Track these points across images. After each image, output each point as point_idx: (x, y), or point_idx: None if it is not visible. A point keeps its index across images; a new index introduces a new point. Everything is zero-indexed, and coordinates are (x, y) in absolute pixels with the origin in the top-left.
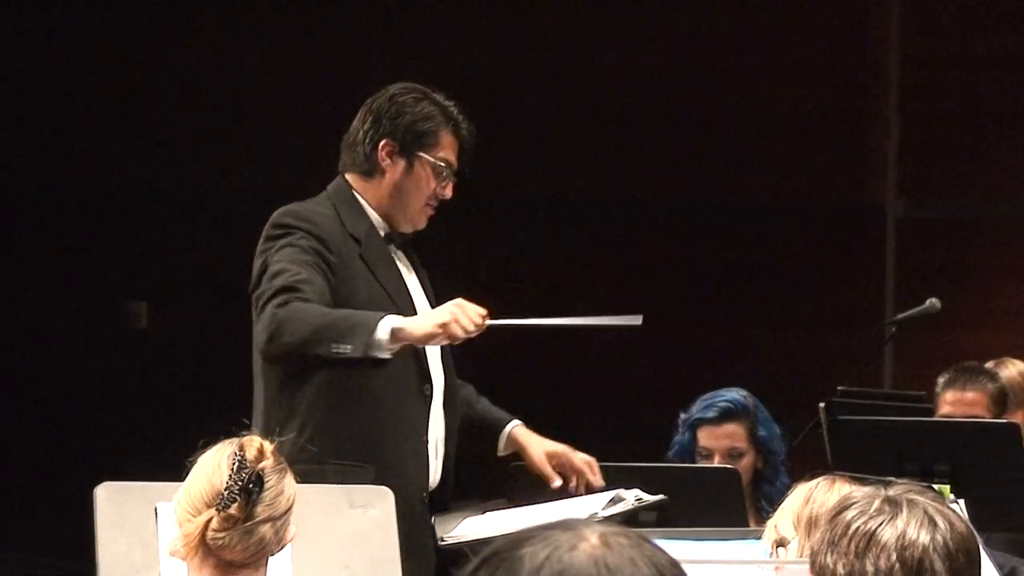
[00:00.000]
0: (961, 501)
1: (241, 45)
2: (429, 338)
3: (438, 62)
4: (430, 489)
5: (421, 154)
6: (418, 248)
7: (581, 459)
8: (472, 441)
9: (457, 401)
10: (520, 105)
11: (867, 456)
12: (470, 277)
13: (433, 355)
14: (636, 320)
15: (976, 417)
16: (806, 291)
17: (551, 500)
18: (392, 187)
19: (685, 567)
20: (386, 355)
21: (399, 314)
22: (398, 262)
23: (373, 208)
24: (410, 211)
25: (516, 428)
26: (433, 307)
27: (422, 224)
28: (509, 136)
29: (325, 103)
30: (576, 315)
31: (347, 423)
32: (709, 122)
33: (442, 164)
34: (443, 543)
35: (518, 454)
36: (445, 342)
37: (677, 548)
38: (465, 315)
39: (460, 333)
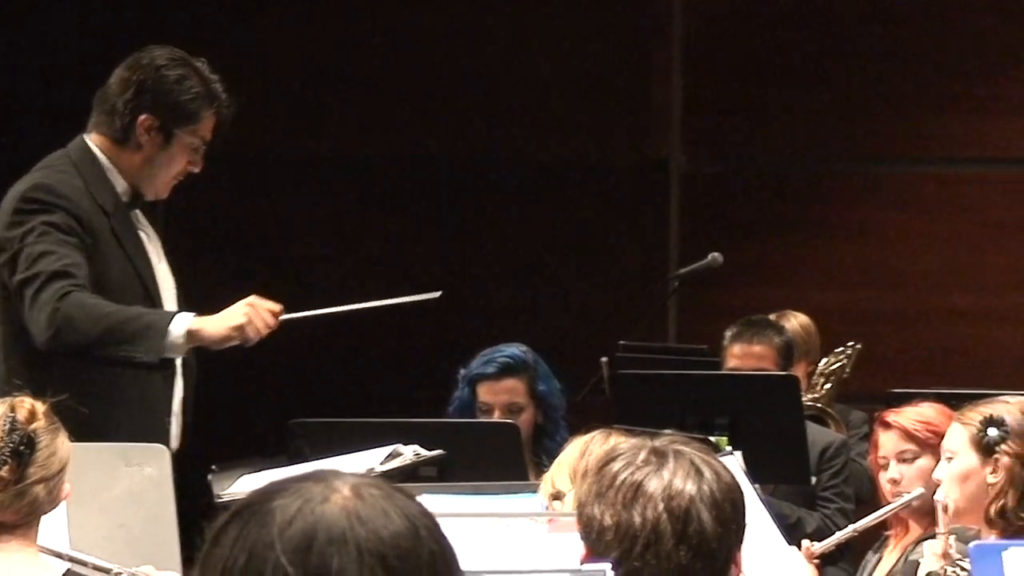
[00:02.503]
0: (738, 453)
1: None
2: (225, 341)
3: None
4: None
5: (180, 132)
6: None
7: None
8: None
9: (193, 369)
10: (309, 65)
11: (649, 410)
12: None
13: None
14: (434, 295)
15: (763, 370)
16: (590, 246)
17: (330, 456)
18: (145, 160)
19: (463, 521)
20: (179, 356)
21: (146, 290)
22: (140, 230)
23: (121, 174)
24: (158, 183)
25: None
26: (173, 274)
27: (165, 194)
28: (297, 95)
29: None
30: (371, 295)
31: (91, 395)
32: (491, 80)
33: (198, 142)
34: (219, 500)
35: None
36: (245, 339)
37: (455, 502)
38: (260, 316)
39: (254, 336)
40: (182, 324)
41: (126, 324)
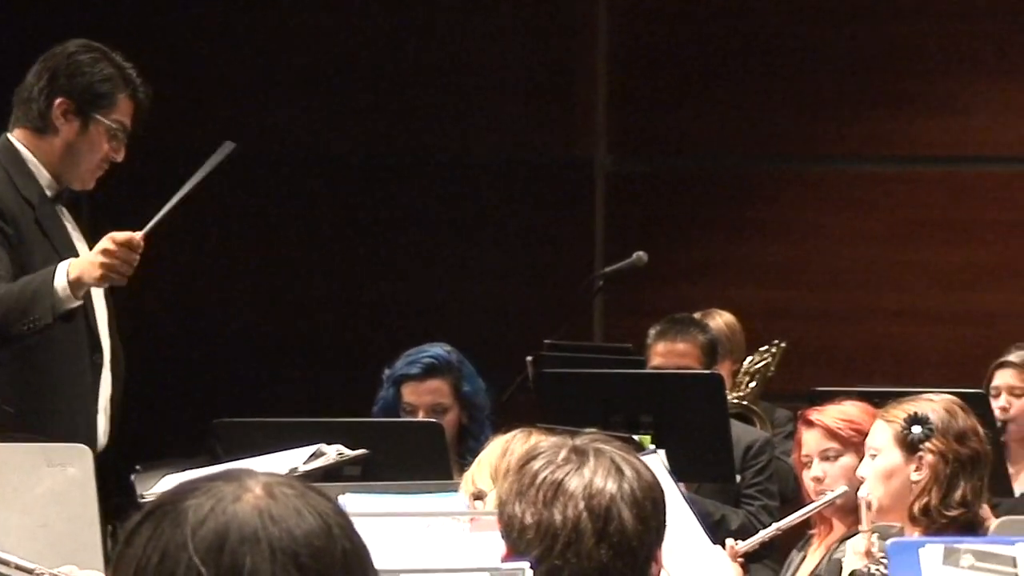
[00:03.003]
0: (661, 451)
1: None
2: (103, 279)
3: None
4: (98, 451)
5: (97, 116)
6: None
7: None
8: None
9: (121, 366)
10: (224, 60)
11: (573, 409)
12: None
13: (102, 323)
14: (230, 147)
15: (687, 368)
16: (515, 244)
17: (253, 456)
18: (65, 146)
19: (385, 520)
20: (75, 304)
21: None
22: (66, 223)
23: (44, 166)
24: (81, 171)
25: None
26: None
27: (91, 184)
28: (213, 92)
29: None
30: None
31: (20, 395)
32: (416, 78)
33: (116, 127)
34: (142, 500)
35: None
36: (118, 279)
37: (378, 502)
38: (121, 250)
39: (126, 269)
40: (62, 277)
41: (19, 298)
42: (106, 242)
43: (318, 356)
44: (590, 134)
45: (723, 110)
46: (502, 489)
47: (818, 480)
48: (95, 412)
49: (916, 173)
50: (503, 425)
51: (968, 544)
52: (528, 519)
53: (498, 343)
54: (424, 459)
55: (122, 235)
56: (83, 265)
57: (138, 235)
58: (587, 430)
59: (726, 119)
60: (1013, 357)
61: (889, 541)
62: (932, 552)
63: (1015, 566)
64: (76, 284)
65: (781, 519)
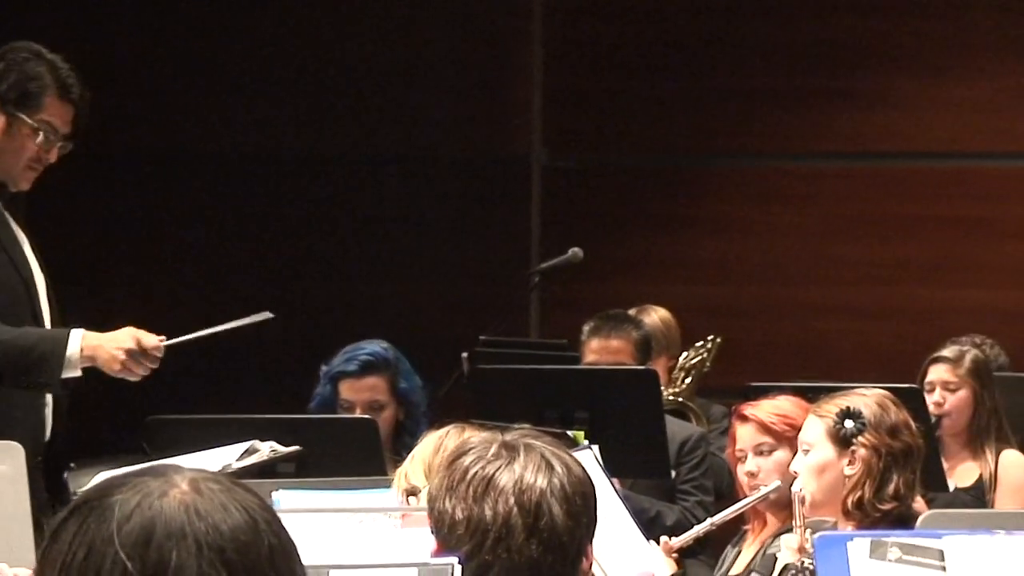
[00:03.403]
0: (595, 447)
1: None
2: (118, 374)
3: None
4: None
5: (20, 115)
6: None
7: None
8: None
9: None
10: (163, 62)
11: (508, 404)
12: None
13: (47, 319)
14: (266, 316)
15: (620, 364)
16: (451, 241)
17: (187, 453)
18: None
19: (318, 516)
20: (77, 374)
21: (25, 286)
22: (9, 220)
23: None
24: (11, 171)
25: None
26: (42, 268)
27: (25, 185)
28: (153, 92)
29: None
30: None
31: None
32: (354, 75)
33: (43, 127)
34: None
35: None
36: (131, 378)
37: (311, 498)
38: (145, 355)
39: (142, 372)
40: (75, 348)
41: (22, 356)
42: (131, 341)
43: (255, 353)
44: (526, 131)
45: (658, 107)
46: (432, 485)
47: (752, 475)
48: (40, 410)
49: (849, 169)
50: (440, 421)
51: (895, 537)
52: (459, 515)
53: (435, 340)
54: (358, 455)
55: (150, 341)
56: (100, 351)
57: (162, 343)
58: (517, 425)
59: (661, 116)
60: (947, 352)
61: (816, 535)
62: (859, 546)
63: (942, 559)
64: (87, 360)
65: (716, 514)
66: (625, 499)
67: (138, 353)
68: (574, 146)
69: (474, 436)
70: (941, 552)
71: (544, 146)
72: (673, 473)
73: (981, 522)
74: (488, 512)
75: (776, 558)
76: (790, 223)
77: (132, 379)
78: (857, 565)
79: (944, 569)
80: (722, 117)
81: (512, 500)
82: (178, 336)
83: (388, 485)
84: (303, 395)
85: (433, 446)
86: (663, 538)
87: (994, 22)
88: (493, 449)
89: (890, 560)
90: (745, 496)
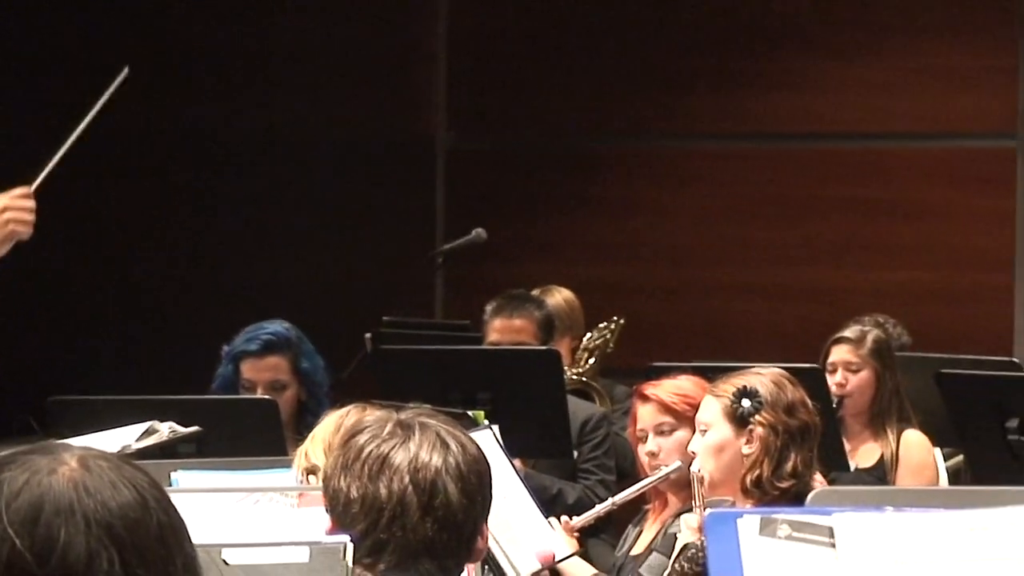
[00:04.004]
0: (495, 426)
1: None
2: (11, 235)
3: None
4: None
5: None
6: None
7: None
8: None
9: None
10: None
11: (411, 385)
12: None
13: None
14: (124, 73)
15: (523, 344)
16: (356, 222)
17: (88, 433)
18: None
19: (215, 497)
20: None
21: None
22: None
23: None
24: None
25: None
26: None
27: None
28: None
29: None
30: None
31: None
32: (258, 55)
33: None
34: None
35: None
36: (24, 230)
37: (210, 478)
38: (18, 211)
39: (29, 217)
40: None
41: None
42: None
43: (158, 333)
44: (431, 113)
45: (563, 89)
46: (328, 463)
47: (653, 455)
48: None
49: (754, 150)
50: (342, 402)
51: (785, 514)
52: (353, 493)
53: (339, 320)
54: (259, 436)
55: (15, 191)
56: None
57: (26, 191)
58: (413, 404)
59: (566, 97)
60: (849, 333)
61: (706, 512)
62: (749, 523)
63: (831, 536)
64: None
65: (617, 494)
66: (526, 478)
67: (11, 205)
68: (478, 128)
69: (368, 414)
70: (831, 529)
71: (449, 128)
72: (575, 453)
73: (871, 499)
74: (383, 490)
75: (676, 537)
76: (695, 204)
77: (25, 234)
78: (747, 542)
79: (833, 546)
80: (628, 99)
81: (407, 479)
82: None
83: (288, 465)
84: (207, 376)
85: (333, 425)
86: (563, 517)
87: (898, 5)
88: (388, 428)
89: (780, 537)
90: (646, 476)
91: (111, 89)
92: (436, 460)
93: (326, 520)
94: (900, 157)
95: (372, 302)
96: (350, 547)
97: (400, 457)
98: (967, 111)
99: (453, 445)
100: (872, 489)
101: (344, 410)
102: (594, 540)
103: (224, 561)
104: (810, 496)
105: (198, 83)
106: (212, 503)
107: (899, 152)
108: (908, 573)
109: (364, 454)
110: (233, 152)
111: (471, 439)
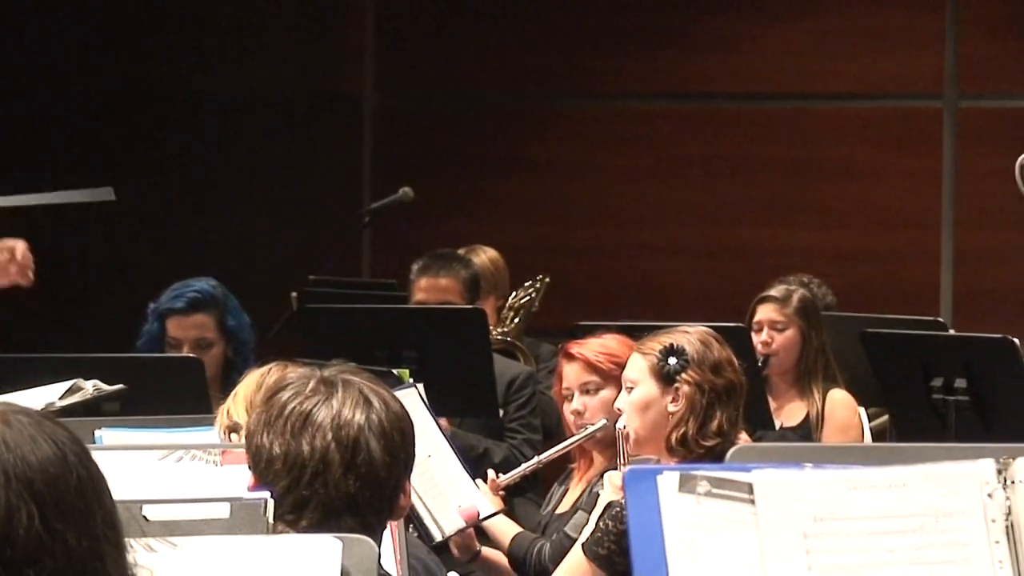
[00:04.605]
0: (419, 385)
1: None
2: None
3: None
4: None
5: None
6: None
7: None
8: None
9: None
10: None
11: (337, 344)
12: None
13: None
14: (108, 195)
15: (449, 303)
16: (283, 180)
17: (9, 392)
18: None
19: (137, 454)
20: None
21: None
22: None
23: None
24: None
25: None
26: None
27: None
28: None
29: None
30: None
31: None
32: (184, 14)
33: None
34: None
35: None
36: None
37: (135, 436)
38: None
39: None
40: None
41: None
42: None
43: (83, 291)
44: (358, 71)
45: (490, 48)
46: (250, 420)
47: (578, 413)
48: None
49: (681, 110)
50: (268, 361)
51: (704, 471)
52: (276, 450)
53: (266, 279)
54: (184, 394)
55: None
56: None
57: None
58: (335, 362)
59: (493, 56)
60: (775, 292)
61: (626, 469)
62: (668, 479)
63: (751, 493)
64: None
65: (543, 452)
66: (453, 438)
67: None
68: (405, 87)
69: (291, 372)
70: (750, 485)
71: (375, 87)
72: (501, 412)
73: (790, 456)
74: (306, 447)
75: (600, 496)
76: (622, 164)
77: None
78: (667, 499)
79: (753, 502)
80: (554, 58)
81: (330, 435)
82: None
83: (212, 423)
84: (131, 333)
85: (255, 383)
86: (489, 475)
87: None
88: (311, 385)
89: (699, 494)
90: (572, 435)
91: (87, 199)
92: (359, 417)
93: (248, 477)
94: (827, 117)
95: (299, 261)
96: (271, 503)
97: (323, 414)
98: (894, 72)
99: (376, 402)
100: (791, 445)
101: (266, 368)
102: (520, 499)
103: (144, 517)
104: (730, 453)
105: (123, 41)
106: (134, 460)
107: (826, 112)
108: (826, 529)
109: (287, 411)
110: (158, 110)
111: (394, 396)
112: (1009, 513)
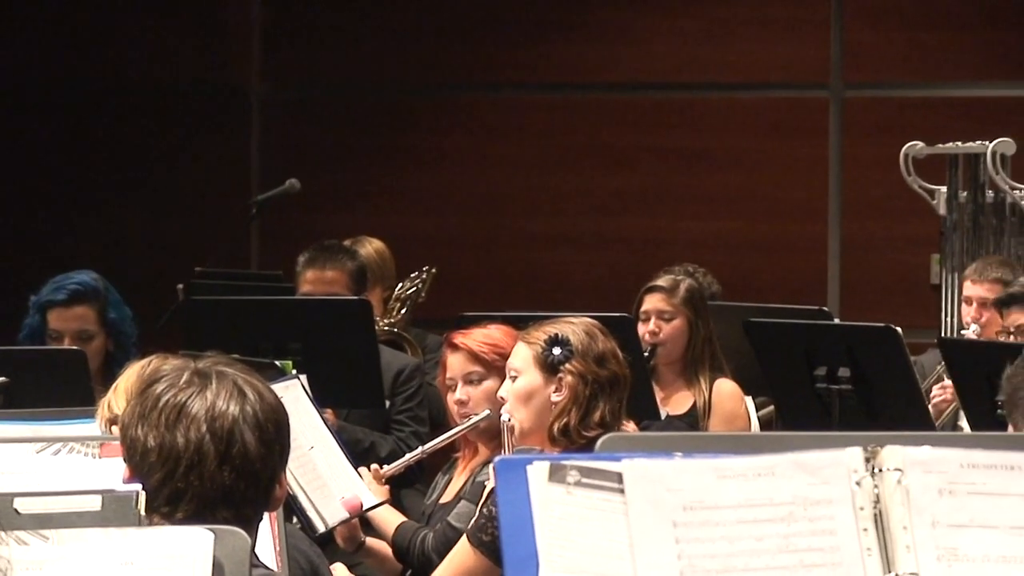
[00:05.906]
0: (303, 377)
1: None
2: None
3: None
4: None
5: None
6: None
7: None
8: None
9: None
10: None
11: (222, 336)
12: None
13: None
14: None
15: (335, 295)
16: (169, 172)
17: None
18: None
19: (14, 447)
20: None
21: None
22: None
23: None
24: None
25: None
26: None
27: None
28: None
29: None
30: None
31: None
32: (68, 0)
33: None
34: None
35: None
36: None
37: (14, 428)
38: None
39: None
40: None
41: None
42: None
43: None
44: (245, 62)
45: (377, 39)
46: (125, 413)
47: (462, 403)
48: None
49: (564, 100)
50: (151, 353)
51: (574, 460)
52: (151, 442)
53: (152, 271)
54: (66, 386)
55: None
56: None
57: None
58: (210, 353)
59: (380, 48)
60: (662, 282)
61: (496, 459)
62: (538, 469)
63: (620, 482)
64: None
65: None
66: (339, 431)
67: None
68: (292, 78)
69: (165, 364)
70: (619, 475)
71: (262, 78)
72: (388, 403)
73: (661, 445)
74: (180, 439)
75: (484, 486)
76: (506, 154)
77: None
78: (537, 489)
79: (622, 492)
80: (441, 49)
81: (204, 427)
82: None
83: (93, 416)
84: (12, 326)
85: (135, 375)
86: (373, 465)
87: None
88: (185, 376)
89: (569, 483)
90: (456, 425)
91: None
92: (233, 409)
93: (124, 470)
94: (714, 107)
95: (186, 252)
96: (142, 495)
97: (197, 406)
98: (781, 61)
99: (250, 394)
100: (661, 435)
101: (146, 360)
102: (408, 490)
103: (16, 510)
104: (600, 441)
105: (4, 27)
106: (11, 454)
107: (713, 102)
108: (695, 518)
109: (161, 403)
110: (42, 99)
111: (269, 388)
112: (877, 501)
